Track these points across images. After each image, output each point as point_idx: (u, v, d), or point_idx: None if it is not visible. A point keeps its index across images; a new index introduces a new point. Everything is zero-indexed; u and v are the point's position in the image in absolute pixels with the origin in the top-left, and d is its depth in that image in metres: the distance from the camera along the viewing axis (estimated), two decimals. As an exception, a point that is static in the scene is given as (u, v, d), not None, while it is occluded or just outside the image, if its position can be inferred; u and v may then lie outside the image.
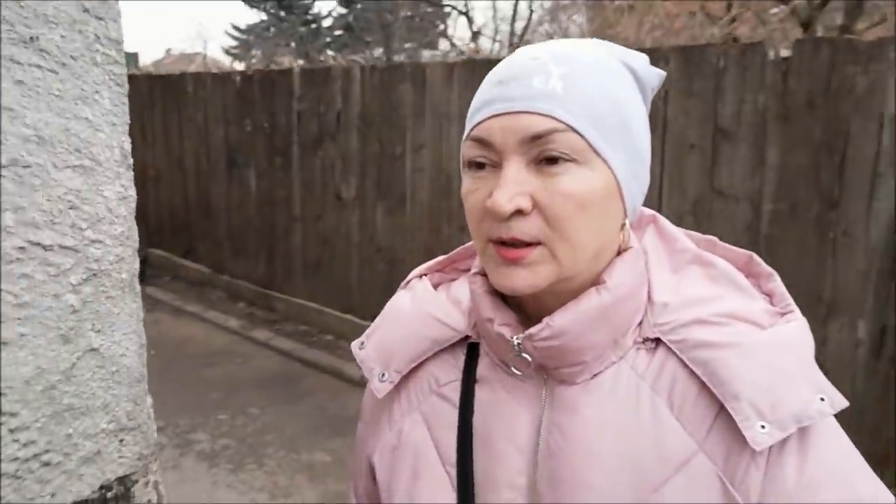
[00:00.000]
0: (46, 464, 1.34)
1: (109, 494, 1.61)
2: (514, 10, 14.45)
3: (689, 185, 2.97)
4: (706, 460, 0.55)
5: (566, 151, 0.54)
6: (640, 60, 0.62)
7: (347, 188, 4.50)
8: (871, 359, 2.58)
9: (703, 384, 0.56)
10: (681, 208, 2.97)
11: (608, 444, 0.57)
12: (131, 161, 1.23)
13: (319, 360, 4.29)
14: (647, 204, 0.65)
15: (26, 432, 1.25)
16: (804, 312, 0.60)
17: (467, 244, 0.71)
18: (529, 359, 0.59)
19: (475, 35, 11.73)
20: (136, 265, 1.38)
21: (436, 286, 0.73)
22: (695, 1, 9.03)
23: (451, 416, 0.64)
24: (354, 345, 0.72)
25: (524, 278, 0.56)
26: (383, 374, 0.67)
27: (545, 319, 0.58)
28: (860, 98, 2.48)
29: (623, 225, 0.60)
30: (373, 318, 0.75)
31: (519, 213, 0.54)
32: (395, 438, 0.68)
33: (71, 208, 1.24)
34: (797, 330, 0.57)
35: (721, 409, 0.55)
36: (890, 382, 2.53)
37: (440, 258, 0.75)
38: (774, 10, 8.19)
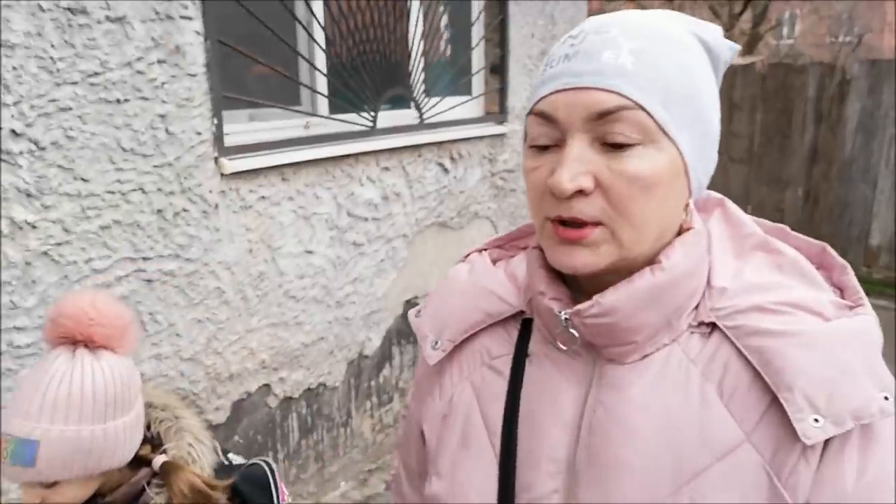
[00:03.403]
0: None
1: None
2: None
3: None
4: (753, 451, 0.53)
5: (633, 133, 0.52)
6: (713, 33, 0.59)
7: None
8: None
9: (756, 373, 0.54)
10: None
11: (651, 425, 0.56)
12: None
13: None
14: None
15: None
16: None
17: (528, 222, 0.69)
18: (576, 335, 0.58)
19: None
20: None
21: (494, 262, 0.72)
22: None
23: (501, 389, 0.64)
24: (411, 313, 0.73)
25: (584, 258, 0.54)
26: (436, 342, 0.68)
27: (595, 297, 0.56)
28: (797, 89, 5.62)
29: (687, 204, 0.58)
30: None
31: (580, 192, 0.52)
32: (445, 407, 0.68)
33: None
34: (863, 323, 0.54)
35: (773, 400, 0.53)
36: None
37: (500, 235, 0.75)
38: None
